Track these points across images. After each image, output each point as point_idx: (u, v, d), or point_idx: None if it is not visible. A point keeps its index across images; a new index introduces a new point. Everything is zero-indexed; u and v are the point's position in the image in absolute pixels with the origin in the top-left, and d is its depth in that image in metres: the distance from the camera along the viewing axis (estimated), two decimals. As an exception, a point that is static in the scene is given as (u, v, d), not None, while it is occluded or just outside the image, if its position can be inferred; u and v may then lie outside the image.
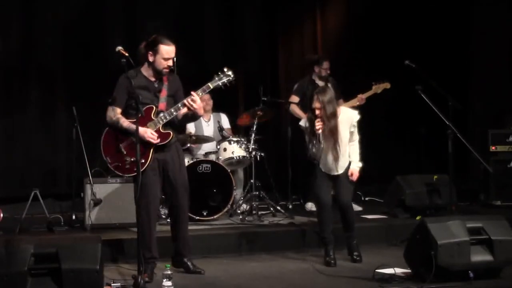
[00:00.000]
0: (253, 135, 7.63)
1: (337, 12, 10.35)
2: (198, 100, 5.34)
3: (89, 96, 8.57)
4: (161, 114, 5.38)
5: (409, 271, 5.39)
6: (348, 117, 6.06)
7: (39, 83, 8.70)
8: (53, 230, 6.66)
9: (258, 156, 7.62)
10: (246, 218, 7.23)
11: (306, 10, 10.26)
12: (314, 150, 5.97)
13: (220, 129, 7.80)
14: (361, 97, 7.81)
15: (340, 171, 6.02)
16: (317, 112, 5.90)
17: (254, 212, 7.35)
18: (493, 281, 5.24)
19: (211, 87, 5.46)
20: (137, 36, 8.99)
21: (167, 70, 5.42)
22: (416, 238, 5.33)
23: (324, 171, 6.04)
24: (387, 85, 7.85)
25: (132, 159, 5.28)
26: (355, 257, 6.07)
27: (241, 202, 7.59)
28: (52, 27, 8.72)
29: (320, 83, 8.10)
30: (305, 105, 8.04)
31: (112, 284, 5.03)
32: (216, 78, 5.48)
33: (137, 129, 5.11)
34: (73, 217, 6.99)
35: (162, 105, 5.43)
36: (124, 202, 6.78)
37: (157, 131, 5.36)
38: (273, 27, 10.07)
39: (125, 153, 5.33)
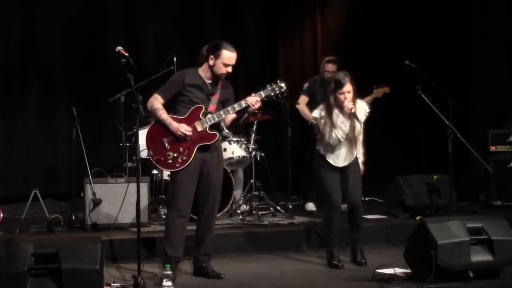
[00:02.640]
0: (253, 135, 7.64)
1: (337, 12, 10.35)
2: (259, 103, 5.42)
3: (89, 96, 8.59)
4: (209, 115, 5.42)
5: (409, 271, 5.39)
6: (361, 107, 5.99)
7: (39, 83, 8.71)
8: (53, 230, 6.66)
9: (258, 156, 7.62)
10: (246, 218, 7.23)
11: (306, 10, 10.26)
12: (331, 139, 5.81)
13: (221, 129, 7.79)
14: (368, 100, 7.75)
15: (349, 162, 5.92)
16: (347, 95, 5.79)
17: (254, 212, 7.35)
18: (493, 281, 5.24)
19: (263, 95, 5.50)
20: (137, 36, 9.07)
21: (225, 75, 5.46)
22: (416, 238, 5.33)
23: (334, 164, 5.90)
24: (386, 89, 7.87)
25: (175, 155, 5.36)
26: (359, 259, 6.01)
27: (241, 202, 7.59)
28: (52, 28, 8.73)
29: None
30: (313, 106, 8.01)
31: (112, 284, 5.03)
32: (269, 88, 5.53)
33: (137, 129, 5.12)
34: (73, 217, 6.98)
35: (212, 107, 5.46)
36: (124, 202, 6.77)
37: (204, 131, 5.40)
38: (273, 27, 10.07)
39: (168, 148, 5.37)
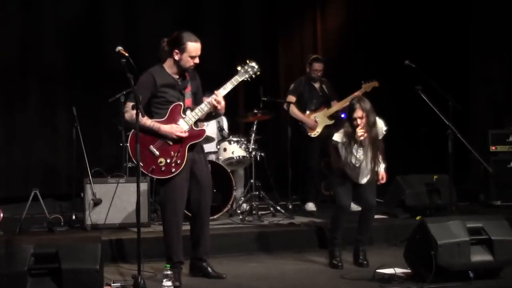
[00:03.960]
0: (253, 135, 7.64)
1: (337, 12, 10.36)
2: (222, 101, 5.26)
3: (89, 96, 8.60)
4: (189, 112, 5.30)
5: (409, 271, 5.39)
6: (380, 127, 5.91)
7: (39, 83, 8.72)
8: (53, 230, 6.65)
9: (258, 156, 7.62)
10: (246, 218, 7.23)
11: (306, 10, 10.27)
12: (351, 164, 5.78)
13: (220, 129, 7.81)
14: (357, 94, 7.77)
15: (369, 178, 5.90)
16: (359, 121, 5.72)
17: (254, 212, 7.35)
18: (493, 281, 5.24)
19: (239, 79, 5.38)
20: (137, 36, 9.07)
21: (193, 67, 5.33)
22: (416, 238, 5.33)
23: (352, 179, 5.89)
24: (375, 84, 7.89)
25: (167, 160, 5.20)
26: (361, 261, 5.97)
27: (241, 202, 7.59)
28: (52, 27, 8.74)
29: (316, 85, 8.15)
30: (302, 105, 8.10)
31: (112, 284, 5.03)
32: (242, 71, 5.41)
33: (137, 129, 5.08)
34: (73, 217, 6.98)
35: (188, 101, 5.34)
36: (124, 202, 6.79)
37: (191, 129, 5.29)
38: (273, 27, 10.08)
39: (158, 154, 5.21)
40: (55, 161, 8.73)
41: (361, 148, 5.79)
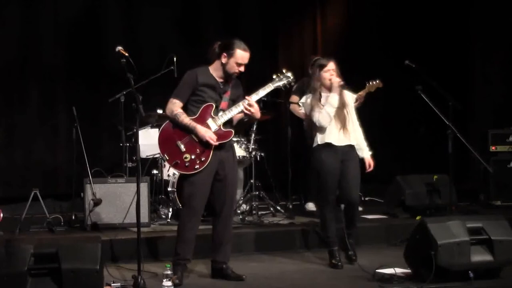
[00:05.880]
0: (253, 135, 7.64)
1: (337, 12, 10.36)
2: (255, 104, 5.35)
3: (89, 96, 8.61)
4: (221, 113, 5.36)
5: (409, 271, 5.39)
6: (348, 96, 6.07)
7: (39, 83, 8.72)
8: (53, 230, 6.66)
9: (258, 156, 7.62)
10: (246, 218, 7.23)
11: (306, 10, 10.28)
12: (321, 116, 5.83)
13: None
14: (361, 95, 7.77)
15: (351, 142, 5.92)
16: (332, 72, 5.91)
17: (254, 212, 7.36)
18: (493, 281, 5.24)
19: (272, 87, 5.48)
20: (137, 36, 9.08)
21: (237, 74, 5.43)
22: (416, 238, 5.33)
23: (333, 142, 5.88)
24: (379, 84, 7.86)
25: (192, 157, 5.26)
26: (350, 255, 5.99)
27: (241, 202, 7.59)
28: (52, 27, 8.75)
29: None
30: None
31: (112, 284, 5.03)
32: (277, 79, 5.51)
33: (137, 129, 5.10)
34: (73, 217, 6.99)
35: (224, 104, 5.41)
36: (124, 202, 6.78)
37: (219, 129, 5.35)
38: (273, 26, 10.08)
39: (184, 150, 5.28)
40: (55, 161, 8.73)
41: (337, 98, 5.90)
